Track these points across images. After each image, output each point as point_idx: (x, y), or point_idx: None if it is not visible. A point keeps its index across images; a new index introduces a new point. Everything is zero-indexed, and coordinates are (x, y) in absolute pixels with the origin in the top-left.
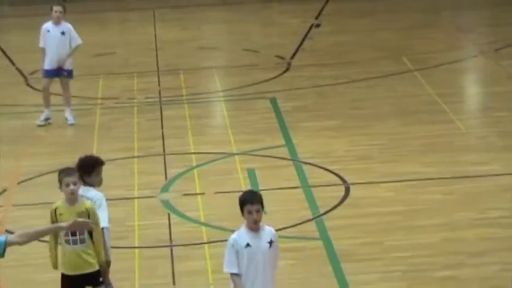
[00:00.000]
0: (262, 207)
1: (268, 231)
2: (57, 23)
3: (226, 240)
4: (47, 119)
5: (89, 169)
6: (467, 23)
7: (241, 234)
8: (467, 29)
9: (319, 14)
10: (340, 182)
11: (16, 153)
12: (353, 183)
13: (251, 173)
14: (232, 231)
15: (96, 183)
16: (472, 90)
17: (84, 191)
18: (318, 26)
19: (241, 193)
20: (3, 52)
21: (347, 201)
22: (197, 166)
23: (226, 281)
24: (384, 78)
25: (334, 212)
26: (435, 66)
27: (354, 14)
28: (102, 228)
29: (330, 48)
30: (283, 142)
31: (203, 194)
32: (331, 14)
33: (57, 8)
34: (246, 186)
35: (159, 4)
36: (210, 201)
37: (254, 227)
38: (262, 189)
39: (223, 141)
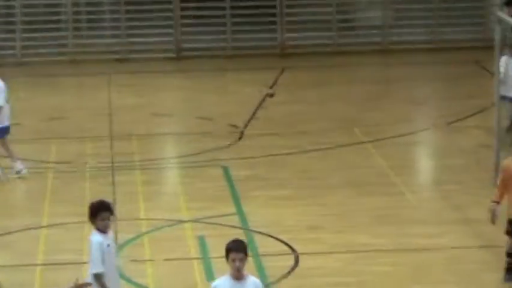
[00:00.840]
0: (247, 256)
1: (252, 281)
2: None
3: None
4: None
5: (92, 213)
6: (419, 95)
7: (223, 282)
8: (420, 101)
9: (273, 84)
10: (290, 252)
11: None
12: (302, 253)
13: (201, 241)
14: None
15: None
16: (424, 163)
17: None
18: (272, 95)
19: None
20: None
21: (296, 271)
22: (147, 232)
23: None
24: (336, 149)
25: (283, 282)
26: (387, 138)
27: (308, 84)
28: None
29: (283, 117)
30: (235, 210)
31: (152, 260)
32: (286, 83)
33: None
34: (196, 253)
35: (115, 69)
36: (159, 268)
37: (237, 274)
38: (213, 257)
39: (175, 207)
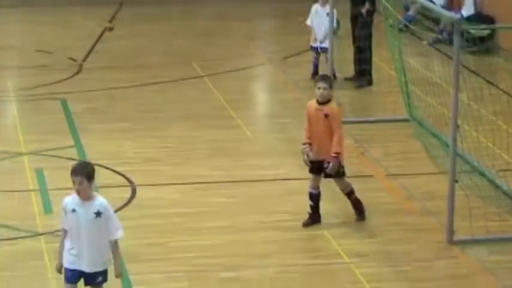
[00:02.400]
0: (88, 180)
1: (99, 202)
2: None
3: (14, 239)
4: None
5: None
6: (257, 31)
7: (72, 199)
8: (257, 37)
9: (112, 18)
10: (127, 184)
11: None
12: (140, 185)
13: (39, 173)
14: (21, 230)
15: None
16: (260, 97)
17: None
18: (111, 29)
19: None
20: None
21: (133, 202)
22: None
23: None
24: (175, 83)
25: (120, 212)
26: (224, 73)
27: (148, 19)
28: None
29: (122, 51)
30: (73, 143)
31: None
32: (126, 18)
33: None
34: (34, 186)
35: None
36: None
37: (80, 196)
38: (51, 189)
39: (13, 140)
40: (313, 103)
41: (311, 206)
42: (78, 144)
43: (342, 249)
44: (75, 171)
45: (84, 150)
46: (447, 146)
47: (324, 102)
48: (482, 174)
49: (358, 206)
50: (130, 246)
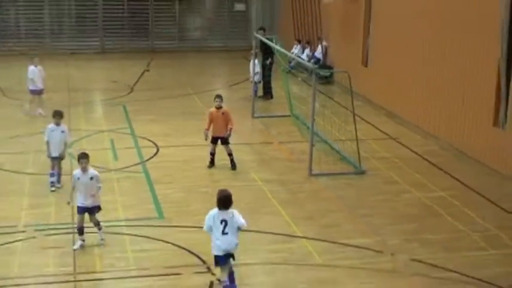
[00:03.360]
0: (88, 160)
1: (91, 172)
2: None
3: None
4: None
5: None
6: (215, 71)
7: (78, 172)
8: (215, 73)
9: (148, 64)
10: (154, 146)
11: None
12: (161, 146)
13: (112, 141)
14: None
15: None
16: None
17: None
18: (147, 70)
19: None
20: None
21: (157, 154)
22: None
23: None
24: (178, 97)
25: (150, 160)
26: (201, 92)
27: (165, 64)
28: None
29: (153, 81)
30: (127, 126)
31: None
32: (154, 64)
33: None
34: (108, 146)
35: (70, 59)
36: None
37: (82, 169)
38: (117, 148)
39: (99, 123)
40: (213, 109)
41: (212, 155)
42: (130, 127)
43: (258, 177)
44: (82, 156)
45: (134, 129)
46: (308, 128)
47: (219, 107)
48: (325, 141)
49: (233, 162)
50: (157, 176)
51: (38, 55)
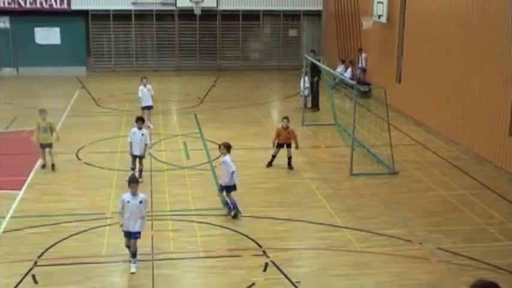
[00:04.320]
0: (138, 185)
1: (140, 196)
2: None
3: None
4: None
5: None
6: (273, 85)
7: (127, 195)
8: (272, 87)
9: (215, 80)
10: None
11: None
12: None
13: (185, 144)
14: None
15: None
16: (273, 114)
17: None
18: (214, 85)
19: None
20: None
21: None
22: None
23: None
24: (238, 108)
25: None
26: (260, 104)
27: (230, 80)
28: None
29: (219, 95)
30: (197, 131)
31: None
32: (221, 80)
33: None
34: (182, 147)
35: (151, 75)
36: None
37: (133, 193)
38: (189, 149)
39: (174, 129)
40: (280, 126)
41: (273, 157)
42: (200, 132)
43: (307, 175)
44: (133, 181)
45: (203, 134)
46: (349, 135)
47: (286, 127)
48: (363, 146)
49: (290, 162)
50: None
51: (147, 77)
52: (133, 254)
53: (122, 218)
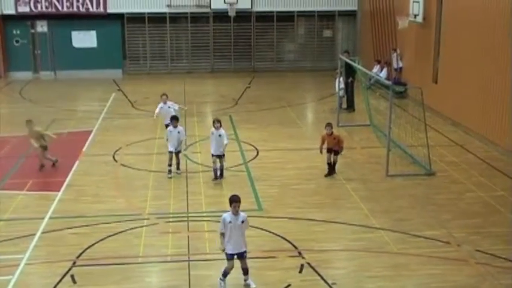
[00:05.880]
0: (240, 204)
1: (242, 215)
2: None
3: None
4: None
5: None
6: (306, 87)
7: (228, 215)
8: (306, 89)
9: (250, 82)
10: (255, 149)
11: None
12: (260, 150)
13: None
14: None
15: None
16: (308, 116)
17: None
18: (249, 87)
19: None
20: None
21: (257, 157)
22: None
23: None
24: (274, 109)
25: (252, 161)
26: (295, 105)
27: (265, 82)
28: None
29: (253, 96)
30: (233, 132)
31: None
32: (255, 82)
33: None
34: None
35: (187, 76)
36: None
37: (234, 212)
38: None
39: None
40: (324, 133)
41: (328, 164)
42: (235, 133)
43: (342, 177)
44: (235, 200)
45: (238, 135)
46: (385, 135)
47: (330, 133)
48: (400, 147)
49: (334, 166)
50: (257, 175)
51: (167, 94)
52: (247, 271)
53: (221, 241)
